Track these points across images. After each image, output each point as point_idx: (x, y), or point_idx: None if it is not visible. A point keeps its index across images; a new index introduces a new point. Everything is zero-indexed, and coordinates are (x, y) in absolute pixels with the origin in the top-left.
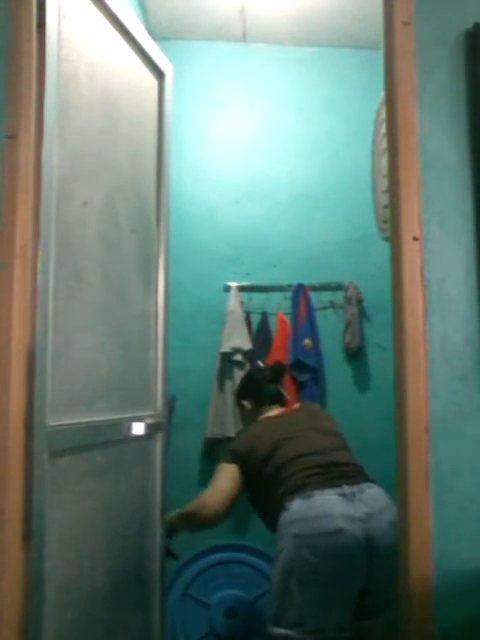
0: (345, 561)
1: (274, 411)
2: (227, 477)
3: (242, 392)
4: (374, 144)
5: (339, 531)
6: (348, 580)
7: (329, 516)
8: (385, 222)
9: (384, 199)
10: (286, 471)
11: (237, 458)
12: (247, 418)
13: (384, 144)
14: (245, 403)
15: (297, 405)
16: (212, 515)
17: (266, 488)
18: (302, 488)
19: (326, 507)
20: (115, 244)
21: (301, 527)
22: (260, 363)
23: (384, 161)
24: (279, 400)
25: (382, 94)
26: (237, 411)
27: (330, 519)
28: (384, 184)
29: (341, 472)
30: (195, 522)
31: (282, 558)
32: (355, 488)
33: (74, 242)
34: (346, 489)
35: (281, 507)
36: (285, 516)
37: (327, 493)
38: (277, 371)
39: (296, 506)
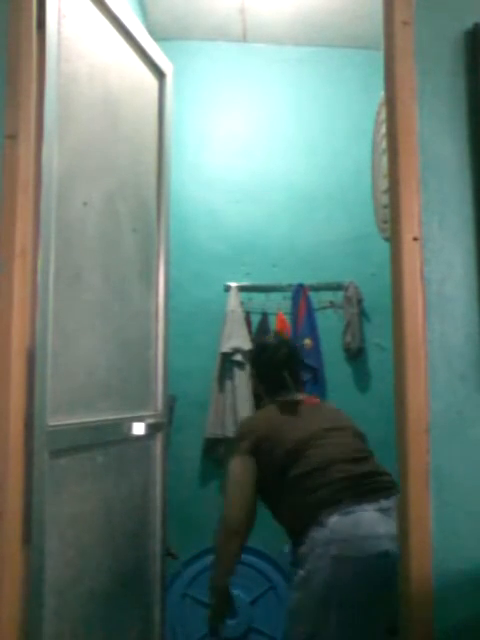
0: (391, 586)
1: (292, 396)
2: (242, 474)
3: (253, 367)
4: (374, 144)
5: (386, 554)
6: (390, 606)
7: (376, 537)
8: (385, 222)
9: (384, 199)
10: (319, 479)
11: (254, 449)
12: (260, 396)
13: (384, 144)
14: (256, 379)
15: (318, 400)
16: (237, 529)
17: (290, 490)
18: (339, 502)
19: (370, 526)
20: (115, 244)
21: (342, 548)
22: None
23: (384, 161)
24: (296, 384)
25: (382, 94)
26: (250, 383)
27: (377, 540)
28: (384, 184)
29: (376, 483)
30: (230, 549)
31: (317, 581)
32: (391, 502)
33: (74, 242)
34: (384, 503)
35: (314, 521)
36: (321, 533)
37: (366, 508)
38: (292, 356)
39: (335, 523)
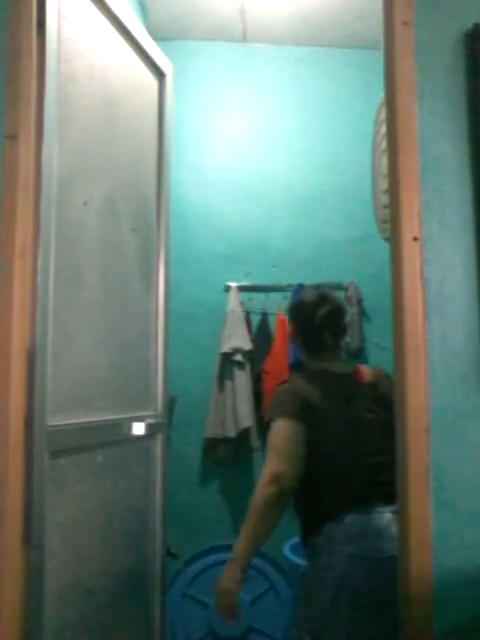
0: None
1: (340, 366)
2: (291, 437)
3: (292, 325)
4: (374, 144)
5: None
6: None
7: (391, 538)
8: (385, 222)
9: (384, 199)
10: (349, 474)
11: (302, 414)
12: (305, 357)
13: (384, 144)
14: (296, 338)
15: (369, 370)
16: (290, 489)
17: (317, 475)
18: (359, 501)
19: (386, 528)
20: (115, 244)
21: (358, 547)
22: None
23: (384, 161)
24: (335, 349)
25: (382, 94)
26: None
27: (392, 542)
28: (384, 184)
29: (393, 485)
30: (275, 514)
31: (331, 577)
32: None
33: (74, 242)
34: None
35: (333, 516)
36: (338, 529)
37: (382, 510)
38: (334, 315)
39: (352, 521)
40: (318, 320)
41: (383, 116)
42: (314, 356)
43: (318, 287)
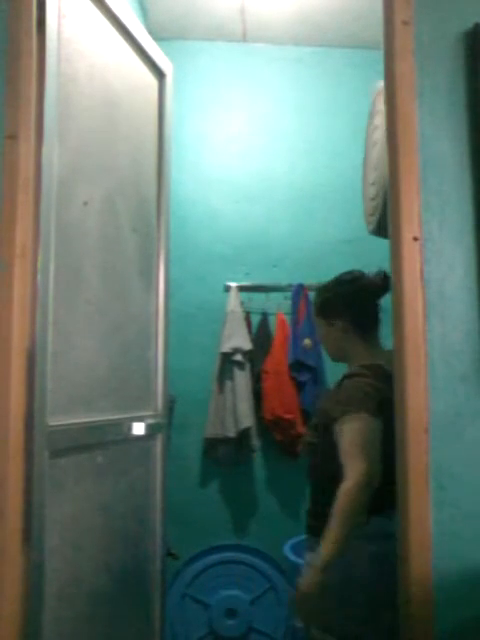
0: None
1: (383, 356)
2: (375, 438)
3: (341, 304)
4: (366, 135)
5: None
6: None
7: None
8: (371, 214)
9: (371, 190)
10: (391, 475)
11: (380, 410)
12: (352, 353)
13: (375, 135)
14: (337, 322)
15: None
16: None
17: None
18: (389, 502)
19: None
20: (115, 244)
21: (382, 546)
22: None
23: (374, 153)
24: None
25: (379, 84)
26: (327, 340)
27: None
28: (372, 176)
29: None
30: (361, 514)
31: (357, 574)
32: None
33: (74, 242)
34: None
35: (381, 510)
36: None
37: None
38: (388, 287)
39: (377, 521)
40: (377, 288)
41: (378, 107)
42: (363, 337)
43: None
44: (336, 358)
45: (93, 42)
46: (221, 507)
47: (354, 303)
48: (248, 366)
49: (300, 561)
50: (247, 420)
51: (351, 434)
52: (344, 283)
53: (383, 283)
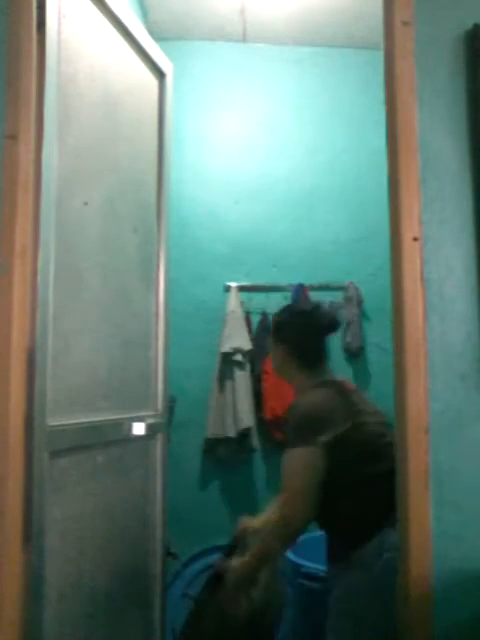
0: None
1: (333, 376)
2: (314, 473)
3: (283, 334)
4: None
5: None
6: None
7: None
8: None
9: None
10: (391, 481)
11: (328, 444)
12: (294, 376)
13: None
14: (282, 345)
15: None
16: (299, 532)
17: (361, 488)
18: (392, 513)
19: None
20: (115, 244)
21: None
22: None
23: None
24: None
25: None
26: (274, 358)
27: None
28: None
29: None
30: (281, 550)
31: (388, 588)
32: None
33: (74, 242)
34: None
35: (388, 521)
36: (393, 536)
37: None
38: (334, 324)
39: (391, 537)
40: (322, 327)
41: None
42: (310, 370)
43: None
44: (279, 375)
45: (93, 42)
46: (221, 507)
47: (300, 336)
48: (248, 366)
49: (300, 561)
50: (247, 420)
51: (290, 470)
52: (296, 314)
53: (331, 324)
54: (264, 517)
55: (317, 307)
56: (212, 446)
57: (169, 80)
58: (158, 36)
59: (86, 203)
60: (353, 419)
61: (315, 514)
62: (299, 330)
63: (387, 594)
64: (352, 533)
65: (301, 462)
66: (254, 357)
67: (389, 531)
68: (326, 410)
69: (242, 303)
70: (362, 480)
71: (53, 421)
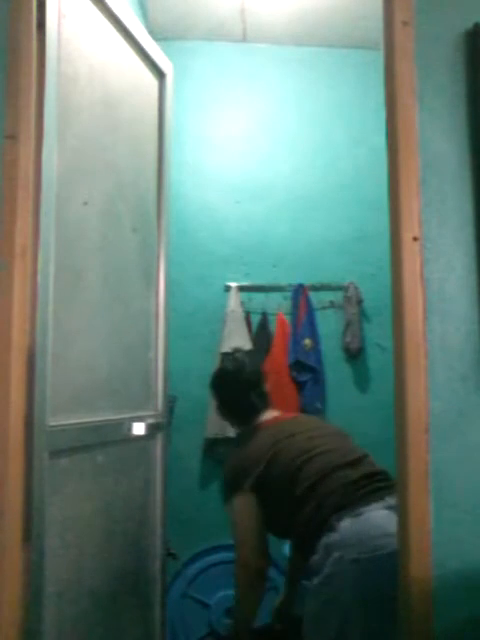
0: None
1: (266, 416)
2: (250, 515)
3: (216, 398)
4: None
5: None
6: None
7: (388, 535)
8: None
9: None
10: (323, 488)
11: (255, 485)
12: (234, 427)
13: None
14: (222, 410)
15: (290, 414)
16: (260, 571)
17: (297, 507)
18: (346, 506)
19: (381, 525)
20: (115, 244)
21: (359, 550)
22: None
23: None
24: (264, 401)
25: None
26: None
27: (390, 539)
28: None
29: (378, 482)
30: (254, 597)
31: (339, 585)
32: (395, 498)
33: (74, 242)
34: (389, 501)
35: (325, 527)
36: (333, 538)
37: (374, 507)
38: (255, 373)
39: (346, 526)
40: (245, 384)
41: None
42: (244, 421)
43: (236, 351)
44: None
45: (93, 42)
46: (221, 507)
47: (226, 397)
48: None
49: None
50: None
51: (232, 520)
52: (220, 376)
53: (253, 380)
54: None
55: (240, 365)
56: (212, 446)
57: (169, 80)
58: (158, 36)
59: (86, 203)
60: (270, 454)
61: (266, 549)
62: (225, 391)
63: (340, 588)
64: (305, 550)
65: (237, 509)
66: (254, 357)
67: (330, 534)
68: (246, 458)
69: (242, 303)
70: (291, 504)
71: (53, 421)
